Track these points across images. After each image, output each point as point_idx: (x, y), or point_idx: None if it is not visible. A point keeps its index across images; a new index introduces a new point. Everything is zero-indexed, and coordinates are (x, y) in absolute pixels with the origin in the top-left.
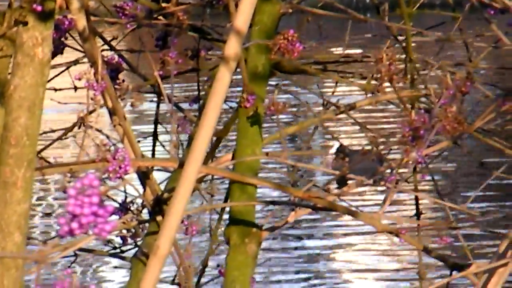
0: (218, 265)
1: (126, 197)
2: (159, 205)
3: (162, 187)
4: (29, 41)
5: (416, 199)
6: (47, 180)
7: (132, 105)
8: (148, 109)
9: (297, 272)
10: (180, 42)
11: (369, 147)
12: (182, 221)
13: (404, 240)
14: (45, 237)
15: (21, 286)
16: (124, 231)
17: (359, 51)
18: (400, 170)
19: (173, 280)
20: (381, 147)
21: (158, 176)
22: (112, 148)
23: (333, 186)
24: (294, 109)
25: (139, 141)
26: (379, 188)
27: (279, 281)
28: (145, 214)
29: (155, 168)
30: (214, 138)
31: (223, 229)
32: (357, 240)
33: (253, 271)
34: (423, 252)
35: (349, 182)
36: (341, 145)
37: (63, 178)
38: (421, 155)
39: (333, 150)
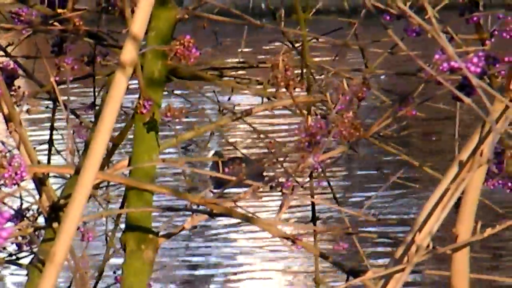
0: (114, 272)
1: (22, 203)
2: (55, 212)
3: (59, 193)
4: None
5: (313, 204)
6: None
7: (28, 111)
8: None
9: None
10: (76, 48)
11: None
12: (78, 228)
13: (301, 246)
14: None
15: None
16: (20, 238)
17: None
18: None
19: (69, 287)
20: (278, 153)
21: (55, 183)
22: (8, 154)
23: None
24: (191, 116)
25: (35, 148)
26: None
27: None
28: (41, 221)
29: (51, 174)
30: (111, 144)
31: (119, 235)
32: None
33: (149, 277)
34: (320, 257)
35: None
36: (217, 151)
37: None
38: (317, 161)
39: (210, 155)
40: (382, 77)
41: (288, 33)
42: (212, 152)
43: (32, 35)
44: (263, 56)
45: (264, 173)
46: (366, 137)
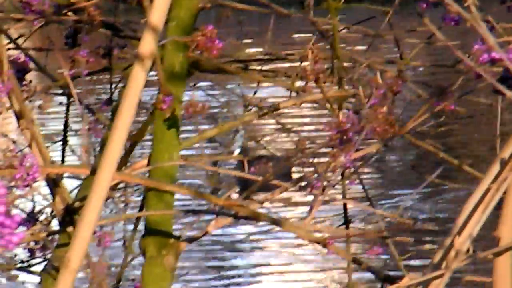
0: (133, 279)
1: (34, 206)
2: (70, 215)
3: (74, 195)
4: None
5: (345, 206)
6: None
7: (40, 107)
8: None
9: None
10: (91, 39)
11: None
12: (95, 232)
13: (332, 251)
14: None
15: None
16: (33, 243)
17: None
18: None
19: None
20: (307, 150)
21: (69, 184)
22: (19, 153)
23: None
24: (214, 111)
25: (48, 146)
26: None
27: None
28: (55, 225)
29: (65, 175)
30: (128, 143)
31: (138, 240)
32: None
33: (171, 284)
34: (353, 263)
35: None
36: (243, 147)
37: None
38: (349, 160)
39: (236, 153)
40: (420, 69)
41: (317, 23)
42: (237, 150)
43: (44, 26)
44: (291, 48)
45: (292, 172)
46: (402, 134)
